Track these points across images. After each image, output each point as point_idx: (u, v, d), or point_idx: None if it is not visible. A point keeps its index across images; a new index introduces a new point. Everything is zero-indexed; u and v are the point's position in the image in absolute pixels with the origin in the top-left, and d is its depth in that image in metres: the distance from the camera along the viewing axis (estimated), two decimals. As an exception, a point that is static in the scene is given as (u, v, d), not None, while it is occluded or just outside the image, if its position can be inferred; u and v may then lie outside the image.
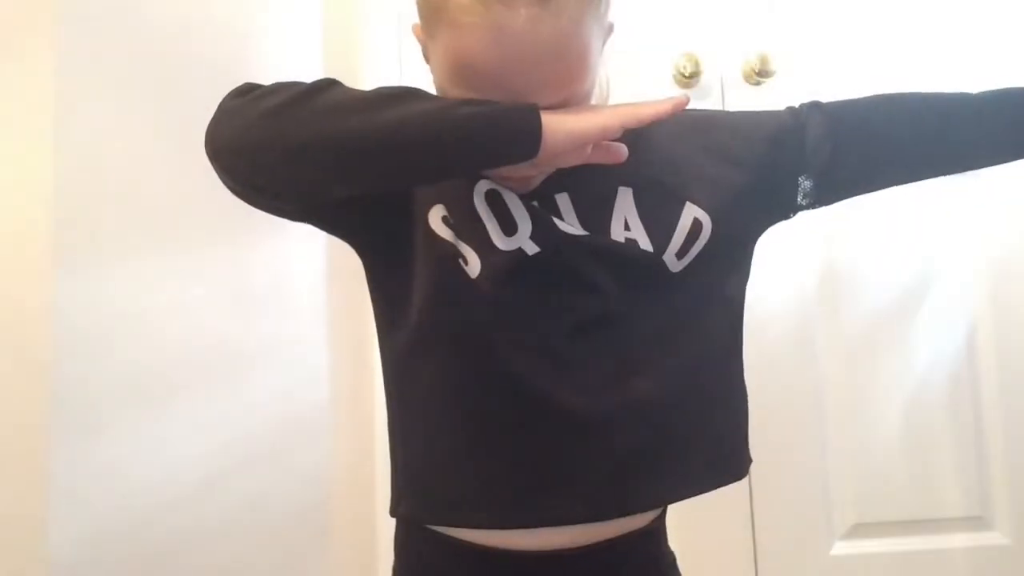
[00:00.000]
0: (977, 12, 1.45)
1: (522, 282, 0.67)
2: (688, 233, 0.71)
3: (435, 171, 0.65)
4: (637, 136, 0.68)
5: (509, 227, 0.68)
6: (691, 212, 0.71)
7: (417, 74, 1.36)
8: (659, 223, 0.71)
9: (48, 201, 1.08)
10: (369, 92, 0.63)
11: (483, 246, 0.68)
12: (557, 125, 0.60)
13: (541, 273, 0.68)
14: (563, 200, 0.70)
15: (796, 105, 0.79)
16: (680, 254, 0.71)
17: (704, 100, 1.38)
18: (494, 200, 0.69)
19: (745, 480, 1.30)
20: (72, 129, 1.11)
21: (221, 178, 0.66)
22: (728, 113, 0.75)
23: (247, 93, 0.66)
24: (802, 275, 1.37)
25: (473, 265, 0.68)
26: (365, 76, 1.36)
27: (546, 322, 0.67)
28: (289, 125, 0.61)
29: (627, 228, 0.70)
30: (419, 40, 0.71)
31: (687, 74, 1.37)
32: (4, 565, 1.03)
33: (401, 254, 0.71)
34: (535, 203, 0.69)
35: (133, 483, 1.11)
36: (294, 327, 1.27)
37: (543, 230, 0.68)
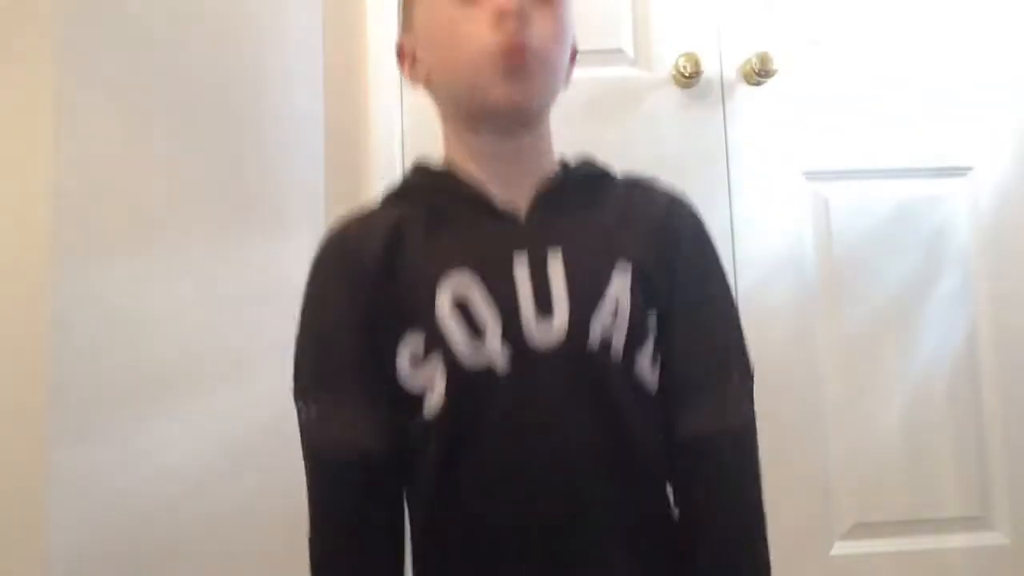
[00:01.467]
0: (976, 11, 1.45)
1: (489, 409, 0.63)
2: (655, 346, 0.68)
3: None
4: (668, 253, 0.68)
5: (476, 331, 0.64)
6: (652, 331, 0.68)
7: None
8: (640, 319, 0.66)
9: (48, 201, 1.08)
10: None
11: (452, 368, 0.64)
12: None
13: (512, 397, 0.63)
14: (555, 260, 0.66)
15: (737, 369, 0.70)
16: (652, 365, 0.68)
17: (704, 100, 1.39)
18: (462, 311, 0.64)
19: (745, 480, 1.31)
20: (72, 129, 1.11)
21: None
22: (717, 267, 0.73)
23: None
24: (802, 274, 1.37)
25: (438, 392, 0.64)
26: (366, 75, 1.36)
27: (513, 456, 0.63)
28: None
29: (615, 314, 0.65)
30: (401, 51, 0.76)
31: (687, 74, 1.36)
32: (4, 565, 1.03)
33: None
34: (526, 252, 0.65)
35: (132, 483, 1.11)
36: (294, 327, 1.27)
37: (513, 341, 0.63)
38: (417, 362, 0.65)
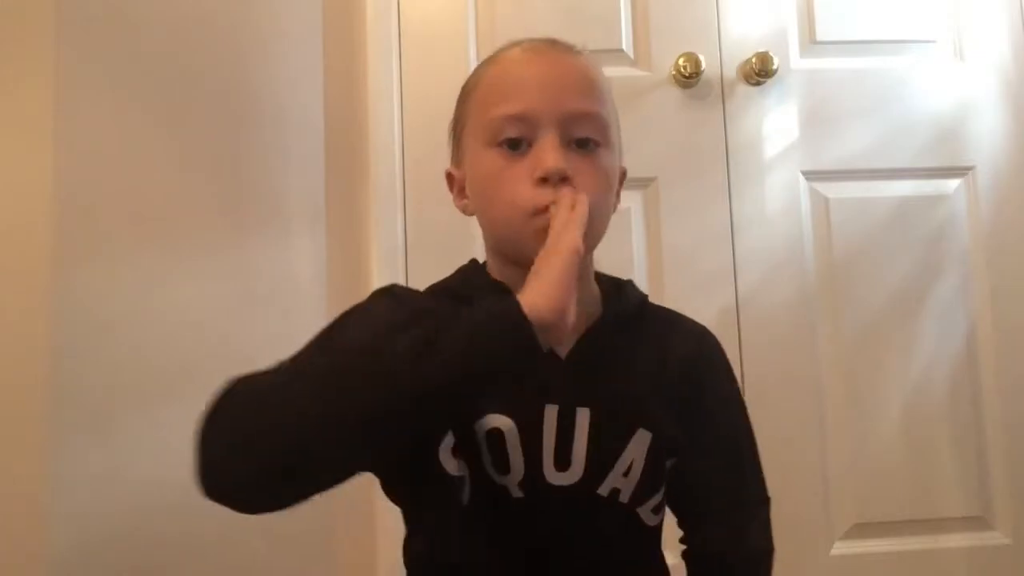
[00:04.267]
0: (976, 11, 1.45)
1: (504, 520, 0.69)
2: (664, 495, 0.74)
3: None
4: (698, 383, 0.74)
5: (502, 467, 0.69)
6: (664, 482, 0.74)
7: (416, 70, 1.36)
8: (652, 478, 0.71)
9: (48, 201, 1.09)
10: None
11: (479, 474, 0.69)
12: (546, 290, 0.59)
13: (523, 517, 0.69)
14: (582, 420, 0.69)
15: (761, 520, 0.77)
16: (656, 510, 0.73)
17: (704, 100, 1.39)
18: (492, 441, 0.69)
19: (745, 480, 1.31)
20: (72, 129, 1.11)
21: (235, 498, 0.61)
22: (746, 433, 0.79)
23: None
24: (802, 274, 1.37)
25: (468, 487, 0.69)
26: (366, 75, 1.36)
27: (513, 565, 0.69)
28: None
29: (626, 474, 0.70)
30: (450, 179, 0.77)
31: (687, 74, 1.36)
32: (4, 564, 1.03)
33: (408, 479, 0.71)
34: (557, 408, 0.69)
35: (133, 484, 1.11)
36: (294, 327, 1.26)
37: (531, 480, 0.68)
38: (447, 454, 0.69)
